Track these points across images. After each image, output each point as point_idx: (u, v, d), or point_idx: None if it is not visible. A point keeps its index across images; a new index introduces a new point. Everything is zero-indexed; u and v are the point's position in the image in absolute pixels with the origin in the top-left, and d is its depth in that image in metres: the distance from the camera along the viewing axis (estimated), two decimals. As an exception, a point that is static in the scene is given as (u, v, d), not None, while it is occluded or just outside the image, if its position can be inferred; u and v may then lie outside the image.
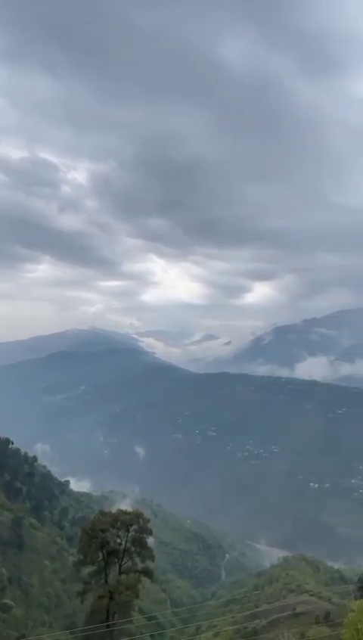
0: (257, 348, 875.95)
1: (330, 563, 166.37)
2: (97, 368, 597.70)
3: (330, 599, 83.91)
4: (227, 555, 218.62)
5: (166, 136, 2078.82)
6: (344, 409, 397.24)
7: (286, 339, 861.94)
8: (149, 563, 45.87)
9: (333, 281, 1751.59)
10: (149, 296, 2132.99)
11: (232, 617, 78.90)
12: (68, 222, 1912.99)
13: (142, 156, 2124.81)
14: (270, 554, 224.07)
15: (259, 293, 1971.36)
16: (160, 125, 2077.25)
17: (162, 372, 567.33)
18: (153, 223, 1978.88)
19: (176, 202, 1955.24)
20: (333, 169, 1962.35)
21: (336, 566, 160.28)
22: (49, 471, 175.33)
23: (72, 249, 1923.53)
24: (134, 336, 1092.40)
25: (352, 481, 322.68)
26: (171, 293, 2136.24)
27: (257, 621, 76.07)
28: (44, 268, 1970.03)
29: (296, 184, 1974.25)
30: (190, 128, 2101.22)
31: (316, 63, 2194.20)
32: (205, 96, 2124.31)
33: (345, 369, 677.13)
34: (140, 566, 45.42)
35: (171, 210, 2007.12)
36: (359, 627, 22.60)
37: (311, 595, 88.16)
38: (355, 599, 33.14)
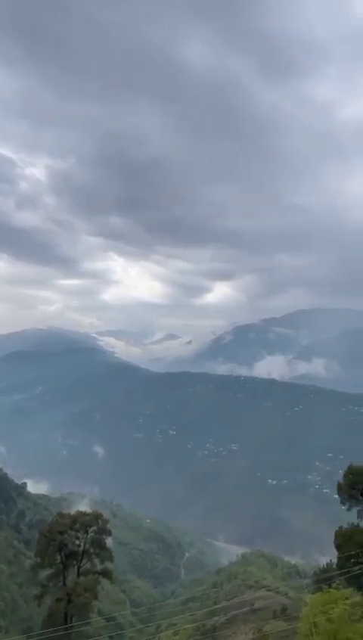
0: (217, 347, 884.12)
1: (287, 558, 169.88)
2: (56, 367, 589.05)
3: (286, 594, 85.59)
4: (186, 554, 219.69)
5: (127, 134, 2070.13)
6: (301, 407, 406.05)
7: (246, 338, 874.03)
8: (108, 565, 45.56)
9: (291, 281, 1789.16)
10: (109, 295, 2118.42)
11: (191, 615, 79.29)
12: (26, 219, 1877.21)
13: (102, 153, 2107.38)
14: (229, 551, 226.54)
15: (220, 292, 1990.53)
16: (121, 122, 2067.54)
17: (123, 372, 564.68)
18: (114, 221, 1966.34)
19: (137, 200, 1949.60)
20: (291, 171, 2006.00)
21: (292, 561, 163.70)
22: (5, 473, 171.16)
23: (30, 247, 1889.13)
24: (94, 335, 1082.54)
25: (309, 477, 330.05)
26: (131, 292, 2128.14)
27: (216, 618, 76.80)
28: (1, 266, 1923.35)
29: (255, 185, 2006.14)
30: (151, 126, 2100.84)
31: (275, 66, 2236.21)
32: (166, 95, 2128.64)
33: (303, 368, 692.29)
34: (99, 567, 45.07)
35: (132, 209, 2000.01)
36: (315, 620, 23.09)
37: (268, 591, 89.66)
38: (311, 593, 33.91)
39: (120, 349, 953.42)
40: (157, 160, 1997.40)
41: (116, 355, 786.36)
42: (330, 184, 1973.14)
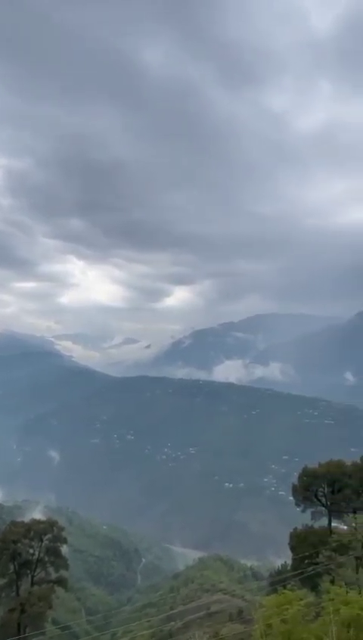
0: (176, 351, 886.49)
1: (243, 561, 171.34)
2: (12, 372, 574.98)
3: (243, 596, 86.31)
4: (143, 559, 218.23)
5: (87, 136, 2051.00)
6: (258, 410, 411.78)
7: (205, 342, 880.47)
8: (63, 573, 44.69)
9: (249, 287, 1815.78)
10: (67, 299, 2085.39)
11: (148, 621, 78.83)
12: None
13: (61, 154, 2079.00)
14: (186, 556, 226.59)
15: (179, 297, 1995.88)
16: (81, 124, 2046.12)
17: (80, 376, 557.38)
18: (73, 224, 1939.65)
19: (96, 203, 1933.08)
20: (248, 178, 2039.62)
21: (249, 564, 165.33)
22: None
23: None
24: (51, 339, 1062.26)
25: (265, 480, 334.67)
26: (90, 296, 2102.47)
27: (172, 623, 76.59)
28: None
29: (214, 191, 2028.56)
30: (111, 129, 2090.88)
31: (234, 75, 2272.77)
32: (126, 99, 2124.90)
33: (259, 371, 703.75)
34: (53, 576, 44.15)
35: (91, 211, 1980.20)
36: (269, 622, 23.28)
37: (224, 594, 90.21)
38: (266, 595, 34.35)
39: (78, 353, 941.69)
40: (117, 164, 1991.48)
41: (73, 359, 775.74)
42: (286, 193, 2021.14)
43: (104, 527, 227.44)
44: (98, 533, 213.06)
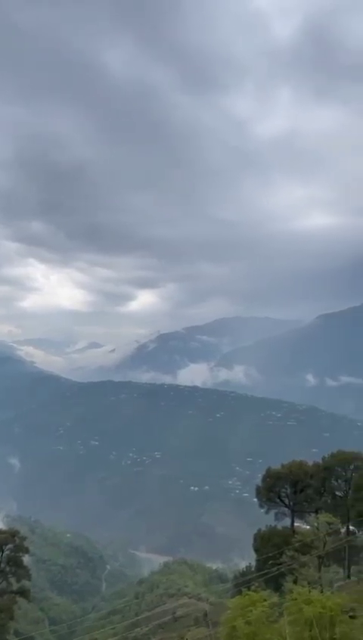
0: (141, 355, 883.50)
1: (209, 564, 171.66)
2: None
3: (208, 600, 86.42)
4: (108, 566, 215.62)
5: (48, 137, 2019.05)
6: (222, 413, 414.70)
7: (170, 346, 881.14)
8: (25, 583, 43.78)
9: (213, 290, 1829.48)
10: (29, 303, 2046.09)
11: (112, 629, 77.86)
12: None
13: (21, 156, 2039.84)
14: (152, 561, 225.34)
15: (143, 300, 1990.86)
16: (41, 125, 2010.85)
17: (43, 382, 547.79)
18: (35, 227, 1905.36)
19: (59, 206, 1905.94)
20: (212, 183, 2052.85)
21: (214, 567, 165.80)
22: None
23: None
24: (12, 344, 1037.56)
25: (230, 482, 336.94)
26: (53, 300, 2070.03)
27: (138, 629, 75.90)
28: None
29: (177, 195, 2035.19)
30: (73, 131, 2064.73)
31: (196, 80, 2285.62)
32: (88, 100, 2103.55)
33: (224, 374, 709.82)
34: (15, 586, 43.18)
35: (53, 214, 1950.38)
36: (234, 624, 23.44)
37: (190, 598, 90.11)
38: (232, 597, 34.48)
39: (40, 358, 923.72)
40: (80, 166, 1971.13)
41: (35, 364, 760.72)
42: (249, 197, 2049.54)
43: (68, 535, 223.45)
44: (62, 541, 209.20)
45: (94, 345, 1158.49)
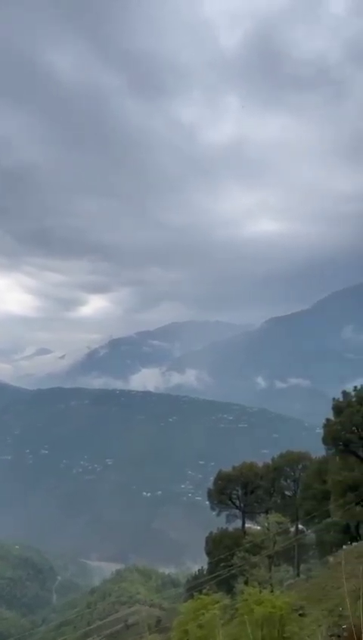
0: (92, 361, 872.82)
1: (161, 570, 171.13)
2: None
3: (161, 605, 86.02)
4: (59, 577, 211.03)
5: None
6: (174, 417, 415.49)
7: (121, 351, 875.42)
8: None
9: (165, 295, 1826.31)
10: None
11: (64, 641, 76.11)
12: None
13: None
14: (104, 570, 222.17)
15: (95, 305, 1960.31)
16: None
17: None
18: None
19: (4, 209, 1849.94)
20: (161, 189, 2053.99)
21: (167, 572, 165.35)
22: None
23: None
24: None
25: (182, 486, 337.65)
26: (0, 306, 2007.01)
27: (90, 639, 74.56)
28: None
29: (127, 200, 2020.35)
30: (19, 133, 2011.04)
31: (146, 86, 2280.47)
32: (33, 102, 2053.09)
33: (176, 379, 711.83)
34: None
35: (0, 217, 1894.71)
36: (186, 628, 23.28)
37: (142, 605, 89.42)
38: (185, 601, 34.38)
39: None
40: (26, 169, 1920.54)
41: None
42: (198, 203, 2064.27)
43: (16, 547, 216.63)
44: (10, 554, 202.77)
45: (44, 351, 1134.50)
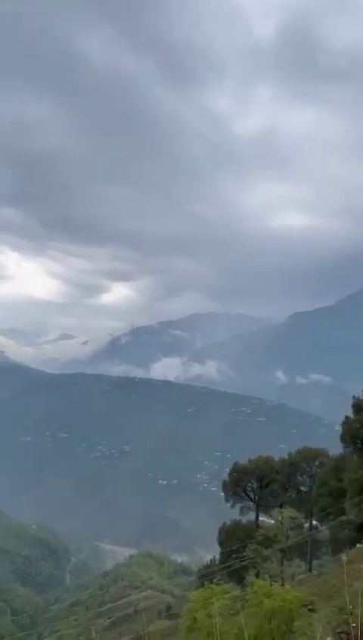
0: (114, 348, 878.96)
1: (174, 557, 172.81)
2: None
3: (171, 592, 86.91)
4: (73, 558, 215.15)
5: (22, 123, 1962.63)
6: (193, 408, 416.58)
7: (143, 340, 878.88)
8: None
9: (188, 285, 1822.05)
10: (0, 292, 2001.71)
11: (75, 619, 77.59)
12: None
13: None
14: (117, 554, 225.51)
15: (118, 293, 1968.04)
16: (16, 111, 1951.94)
17: (12, 372, 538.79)
18: (6, 213, 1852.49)
19: (33, 193, 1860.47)
20: (189, 178, 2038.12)
21: (179, 560, 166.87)
22: None
23: None
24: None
25: (198, 476, 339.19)
26: (24, 290, 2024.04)
27: (100, 621, 75.82)
28: None
29: (154, 188, 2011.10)
30: (49, 118, 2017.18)
31: (177, 74, 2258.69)
32: (65, 88, 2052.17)
33: (196, 369, 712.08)
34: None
35: (27, 202, 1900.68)
36: (195, 616, 23.41)
37: (154, 591, 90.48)
38: (195, 590, 34.64)
39: (11, 348, 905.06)
40: (56, 154, 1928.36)
41: (5, 354, 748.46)
42: (225, 194, 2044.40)
43: (33, 527, 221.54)
44: (26, 533, 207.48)
45: (67, 336, 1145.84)
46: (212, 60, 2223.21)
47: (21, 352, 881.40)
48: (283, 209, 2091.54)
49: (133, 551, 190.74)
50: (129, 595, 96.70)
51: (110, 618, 75.89)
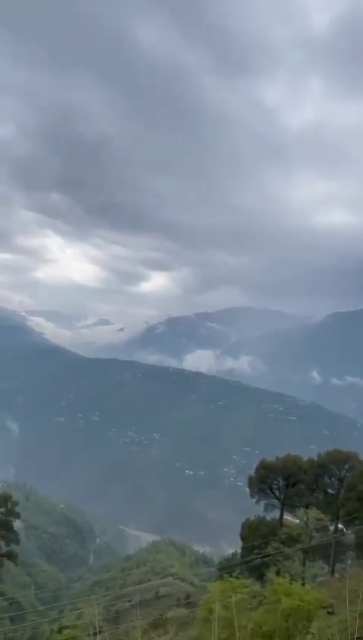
0: (149, 337, 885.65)
1: (196, 547, 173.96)
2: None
3: (191, 582, 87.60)
4: (97, 539, 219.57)
5: (74, 109, 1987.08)
6: (225, 401, 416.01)
7: (178, 330, 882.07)
8: (13, 547, 44.59)
9: (226, 279, 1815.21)
10: (42, 274, 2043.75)
11: (96, 600, 79.30)
12: None
13: (46, 126, 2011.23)
14: (141, 539, 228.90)
15: (156, 282, 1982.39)
16: (68, 96, 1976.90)
17: (50, 354, 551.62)
18: (53, 198, 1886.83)
19: (79, 180, 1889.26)
20: (233, 170, 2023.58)
21: (201, 550, 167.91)
22: None
23: None
24: (23, 314, 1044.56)
25: (225, 469, 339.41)
26: (66, 273, 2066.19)
27: (121, 603, 77.24)
28: None
29: (198, 180, 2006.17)
30: (99, 105, 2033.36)
31: (228, 63, 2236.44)
32: (117, 75, 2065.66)
33: (229, 363, 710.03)
34: (4, 549, 44.01)
35: (73, 188, 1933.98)
36: (213, 608, 23.48)
37: (175, 578, 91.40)
38: (215, 581, 34.82)
39: (50, 330, 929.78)
40: (103, 141, 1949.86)
41: (44, 336, 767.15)
42: (270, 188, 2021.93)
43: (61, 505, 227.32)
44: (55, 511, 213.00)
45: (104, 322, 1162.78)
46: (267, 51, 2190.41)
47: (59, 335, 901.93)
48: (329, 206, 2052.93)
49: (156, 538, 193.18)
50: (150, 581, 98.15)
51: (129, 601, 77.25)
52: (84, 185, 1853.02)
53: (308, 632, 19.44)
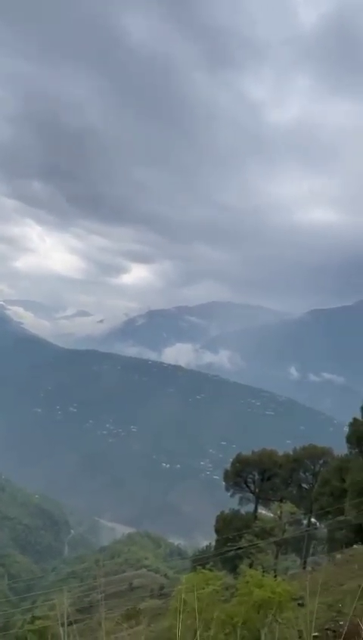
0: (129, 329, 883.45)
1: (171, 540, 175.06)
2: None
3: (165, 574, 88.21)
4: (72, 531, 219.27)
5: (59, 98, 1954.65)
6: (203, 395, 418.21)
7: (158, 323, 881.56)
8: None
9: (208, 273, 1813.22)
10: (22, 263, 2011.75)
11: (69, 591, 79.29)
12: None
13: (30, 113, 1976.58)
14: (116, 531, 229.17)
15: (137, 275, 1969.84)
16: (54, 85, 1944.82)
17: (29, 344, 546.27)
18: (35, 187, 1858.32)
19: (62, 169, 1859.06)
20: (218, 165, 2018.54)
21: (176, 542, 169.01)
22: None
23: None
24: (1, 303, 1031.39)
25: (201, 463, 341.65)
26: (46, 263, 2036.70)
27: (93, 595, 77.39)
28: None
29: (182, 173, 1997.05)
30: (86, 96, 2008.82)
31: (215, 58, 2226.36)
32: (104, 67, 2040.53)
33: (209, 357, 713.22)
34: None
35: (56, 177, 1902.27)
36: (184, 599, 23.68)
37: (149, 570, 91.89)
38: (189, 573, 35.18)
39: (29, 320, 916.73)
40: (88, 132, 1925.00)
41: (23, 326, 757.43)
42: (254, 185, 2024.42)
43: (36, 497, 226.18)
44: (30, 502, 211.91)
45: (83, 313, 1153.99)
46: (254, 46, 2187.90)
47: (38, 325, 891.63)
48: (312, 204, 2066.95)
49: (132, 530, 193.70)
50: (124, 572, 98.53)
51: (103, 592, 77.47)
52: (67, 174, 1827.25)
53: (278, 623, 19.80)
